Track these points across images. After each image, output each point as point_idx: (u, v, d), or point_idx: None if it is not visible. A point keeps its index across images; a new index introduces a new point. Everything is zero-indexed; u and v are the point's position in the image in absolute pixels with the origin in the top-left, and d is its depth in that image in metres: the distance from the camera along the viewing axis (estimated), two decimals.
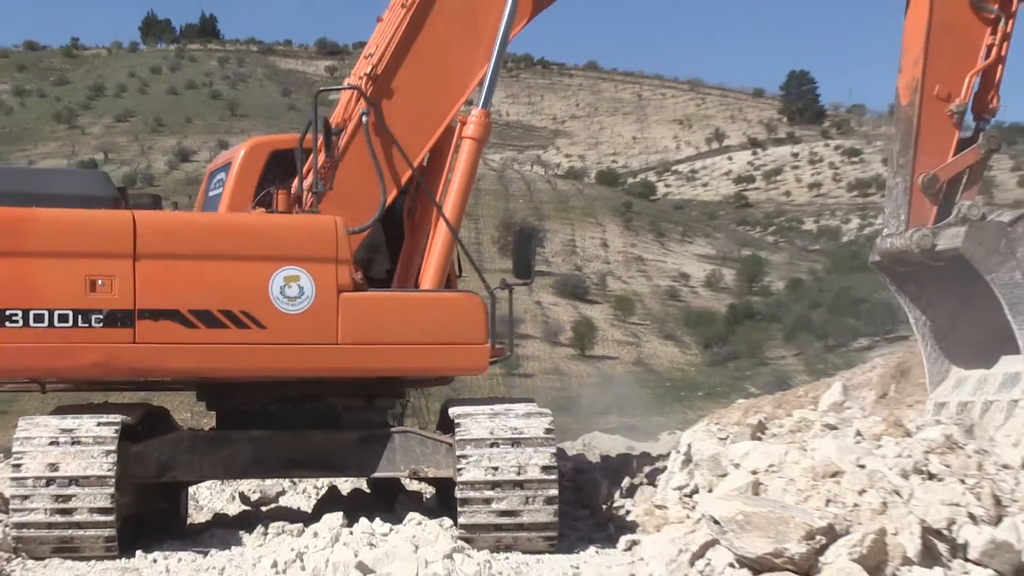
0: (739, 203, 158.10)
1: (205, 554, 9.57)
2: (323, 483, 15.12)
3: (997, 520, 8.07)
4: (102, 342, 9.47)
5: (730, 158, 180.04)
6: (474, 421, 9.70)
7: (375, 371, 10.12)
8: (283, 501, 14.61)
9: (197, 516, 13.79)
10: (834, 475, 8.40)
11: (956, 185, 11.34)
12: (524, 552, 9.51)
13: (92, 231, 9.60)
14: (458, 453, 9.61)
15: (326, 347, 9.78)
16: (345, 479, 13.86)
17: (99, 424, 9.51)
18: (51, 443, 9.36)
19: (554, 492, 9.51)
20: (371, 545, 8.98)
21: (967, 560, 7.75)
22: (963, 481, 8.39)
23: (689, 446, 10.49)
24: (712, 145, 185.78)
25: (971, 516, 8.00)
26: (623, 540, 9.64)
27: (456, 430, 9.72)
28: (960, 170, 11.32)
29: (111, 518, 9.32)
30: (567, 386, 73.55)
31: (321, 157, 10.31)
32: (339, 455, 10.27)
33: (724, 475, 9.47)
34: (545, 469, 9.49)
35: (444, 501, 11.01)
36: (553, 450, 9.64)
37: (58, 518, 9.25)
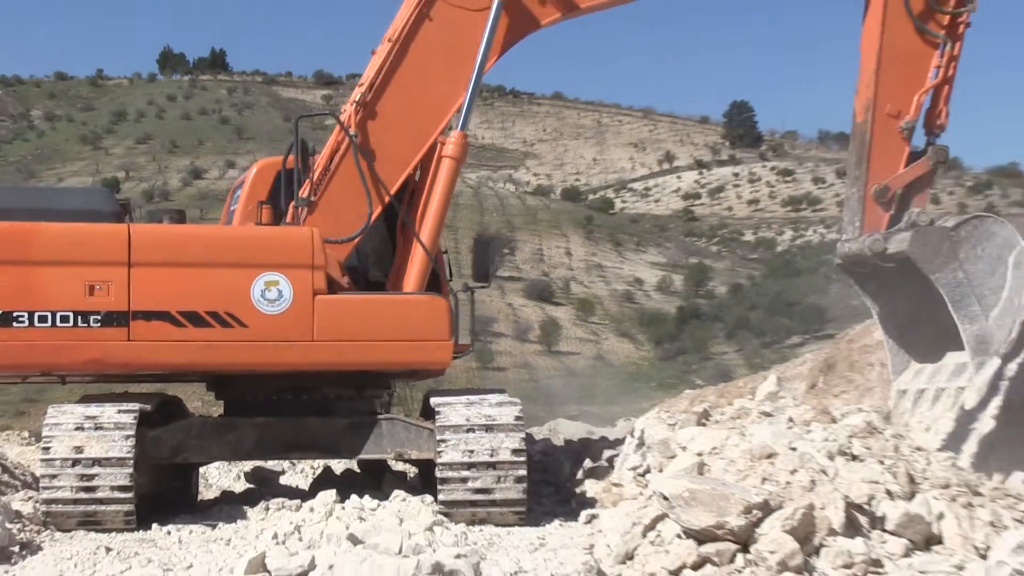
0: (687, 217, 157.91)
1: (214, 527, 9.55)
2: (318, 464, 15.11)
3: (911, 496, 8.09)
4: (100, 340, 9.47)
5: (679, 177, 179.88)
6: (452, 409, 9.69)
7: (348, 365, 10.08)
8: (283, 480, 14.57)
9: (207, 493, 13.74)
10: (769, 457, 8.42)
11: (910, 195, 11.19)
12: (497, 525, 9.52)
13: (91, 242, 9.60)
14: (438, 438, 9.61)
15: (303, 343, 9.76)
16: (338, 461, 13.83)
17: (119, 411, 9.47)
18: (77, 428, 9.33)
19: (523, 472, 9.51)
20: (361, 519, 8.94)
21: (884, 531, 7.77)
22: (882, 462, 8.41)
23: (642, 431, 10.49)
24: (663, 166, 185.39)
25: (888, 492, 8.02)
26: (584, 514, 9.65)
27: (436, 417, 9.71)
28: (910, 180, 11.10)
29: (130, 495, 9.30)
30: (535, 378, 73.43)
31: (317, 173, 10.32)
32: (332, 439, 10.23)
33: (673, 457, 9.47)
34: (515, 452, 9.50)
35: (426, 480, 11.00)
36: (522, 435, 9.64)
37: (83, 495, 9.23)
